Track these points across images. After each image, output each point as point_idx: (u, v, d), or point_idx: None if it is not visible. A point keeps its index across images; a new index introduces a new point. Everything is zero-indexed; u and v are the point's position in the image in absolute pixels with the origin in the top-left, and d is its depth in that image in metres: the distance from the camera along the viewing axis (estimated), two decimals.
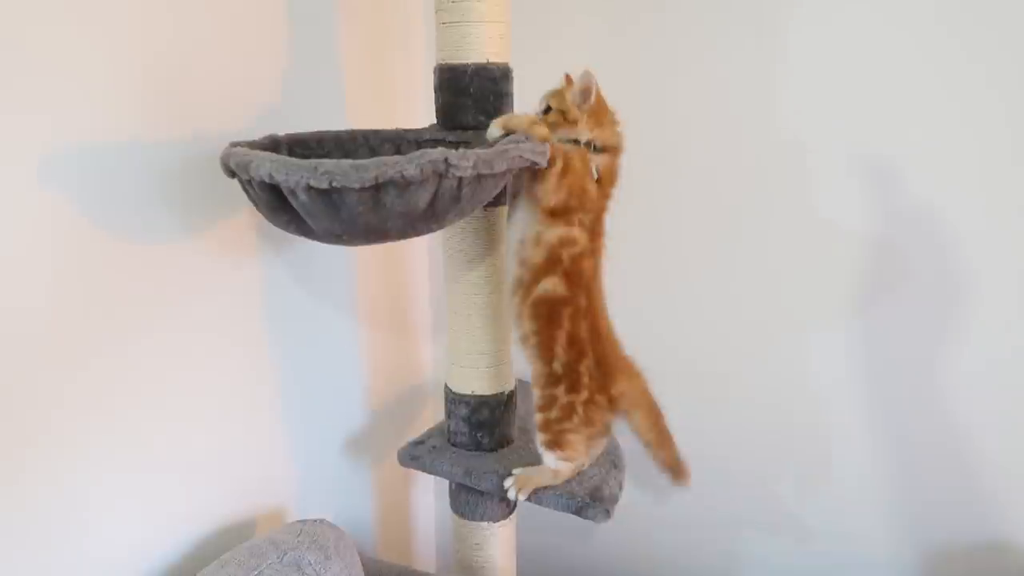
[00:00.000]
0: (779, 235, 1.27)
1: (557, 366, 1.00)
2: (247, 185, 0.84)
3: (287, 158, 0.77)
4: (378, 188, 0.76)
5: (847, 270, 1.24)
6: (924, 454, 1.25)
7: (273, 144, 0.97)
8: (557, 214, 0.96)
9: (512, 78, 1.06)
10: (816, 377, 1.30)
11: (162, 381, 1.01)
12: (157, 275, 0.98)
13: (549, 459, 1.06)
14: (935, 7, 1.10)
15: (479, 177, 0.81)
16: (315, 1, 1.19)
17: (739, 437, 1.39)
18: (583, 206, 0.96)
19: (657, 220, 1.36)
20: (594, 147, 0.97)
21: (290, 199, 0.79)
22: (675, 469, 1.04)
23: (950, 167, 1.13)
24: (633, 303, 1.40)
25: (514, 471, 1.09)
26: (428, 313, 1.60)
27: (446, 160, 0.76)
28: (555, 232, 0.96)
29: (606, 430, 1.05)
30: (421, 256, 1.56)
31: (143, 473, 1.00)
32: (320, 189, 0.75)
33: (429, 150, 0.76)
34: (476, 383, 1.15)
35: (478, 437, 1.18)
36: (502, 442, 1.19)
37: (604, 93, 0.98)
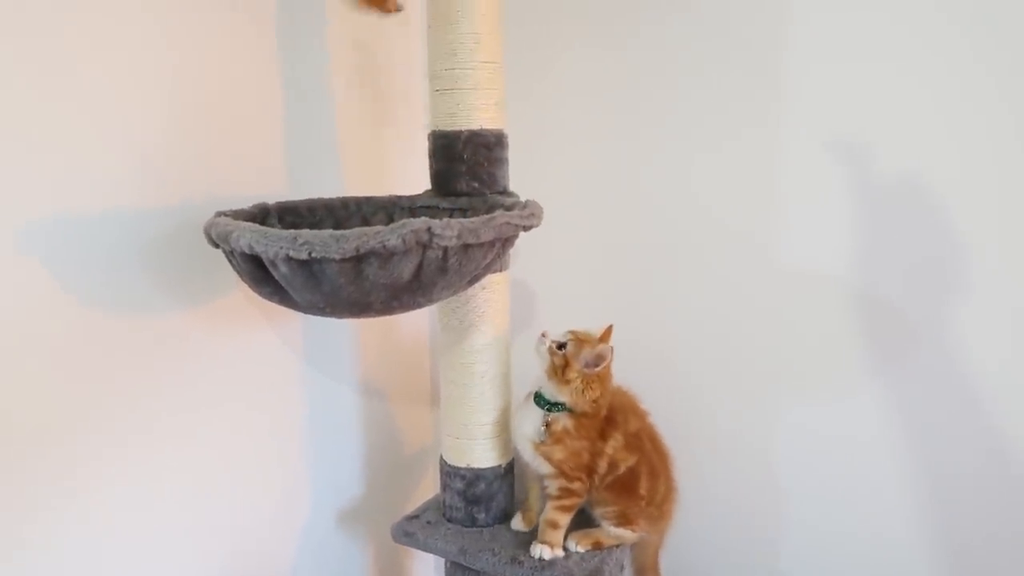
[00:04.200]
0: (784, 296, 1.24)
1: (642, 489, 1.08)
2: (230, 256, 0.82)
3: (267, 228, 0.76)
4: (359, 259, 0.73)
5: (842, 334, 1.20)
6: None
7: (262, 212, 0.96)
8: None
9: (507, 144, 1.06)
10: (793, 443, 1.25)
11: (151, 454, 0.98)
12: (149, 347, 0.97)
13: (618, 531, 1.09)
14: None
15: (466, 247, 0.79)
16: (312, 67, 1.20)
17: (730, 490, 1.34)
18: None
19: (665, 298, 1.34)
20: (561, 407, 1.04)
21: (271, 270, 0.77)
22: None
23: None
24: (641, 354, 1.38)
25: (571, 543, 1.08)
26: (428, 381, 1.57)
27: (429, 230, 0.74)
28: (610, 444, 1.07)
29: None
30: (422, 322, 1.54)
31: (131, 547, 0.97)
32: (300, 260, 0.73)
33: (411, 220, 0.74)
34: (472, 455, 1.11)
35: (474, 512, 1.13)
36: (499, 517, 1.15)
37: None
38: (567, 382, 1.02)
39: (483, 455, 1.11)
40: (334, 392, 1.32)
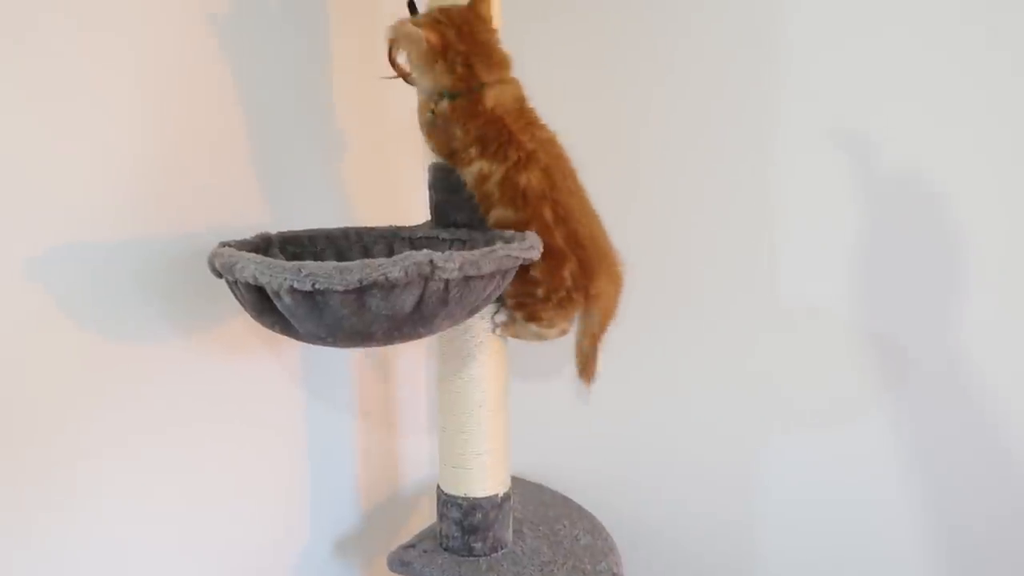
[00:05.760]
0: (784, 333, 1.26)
1: (535, 272, 0.97)
2: (233, 286, 0.83)
3: (271, 260, 0.77)
4: (362, 290, 0.74)
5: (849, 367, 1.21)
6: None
7: (265, 242, 0.97)
8: (453, 159, 0.99)
9: None
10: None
11: (150, 479, 0.99)
12: (150, 374, 0.98)
13: (531, 327, 1.03)
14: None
15: (467, 279, 0.80)
16: (315, 98, 1.22)
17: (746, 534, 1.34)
18: (458, 147, 0.97)
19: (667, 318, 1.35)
20: (444, 95, 0.96)
21: (274, 301, 0.78)
22: (585, 368, 1.08)
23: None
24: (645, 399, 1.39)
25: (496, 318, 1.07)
26: (424, 409, 1.57)
27: (431, 262, 0.75)
28: (468, 172, 0.98)
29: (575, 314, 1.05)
30: (418, 350, 1.54)
31: (129, 570, 0.97)
32: (304, 291, 0.74)
33: (414, 252, 0.75)
34: (468, 485, 1.11)
35: (471, 542, 1.13)
36: (496, 546, 1.14)
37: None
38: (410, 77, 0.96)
39: (480, 484, 1.11)
40: (331, 420, 1.32)
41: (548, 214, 0.96)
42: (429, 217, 1.10)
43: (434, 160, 1.05)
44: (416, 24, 0.92)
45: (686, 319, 1.33)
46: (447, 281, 0.78)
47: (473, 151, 0.97)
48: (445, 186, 1.05)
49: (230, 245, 0.88)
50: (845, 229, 1.18)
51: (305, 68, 1.20)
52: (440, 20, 0.93)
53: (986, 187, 1.08)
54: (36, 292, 0.84)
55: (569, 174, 1.00)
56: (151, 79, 0.95)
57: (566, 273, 0.97)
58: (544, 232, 0.95)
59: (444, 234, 1.05)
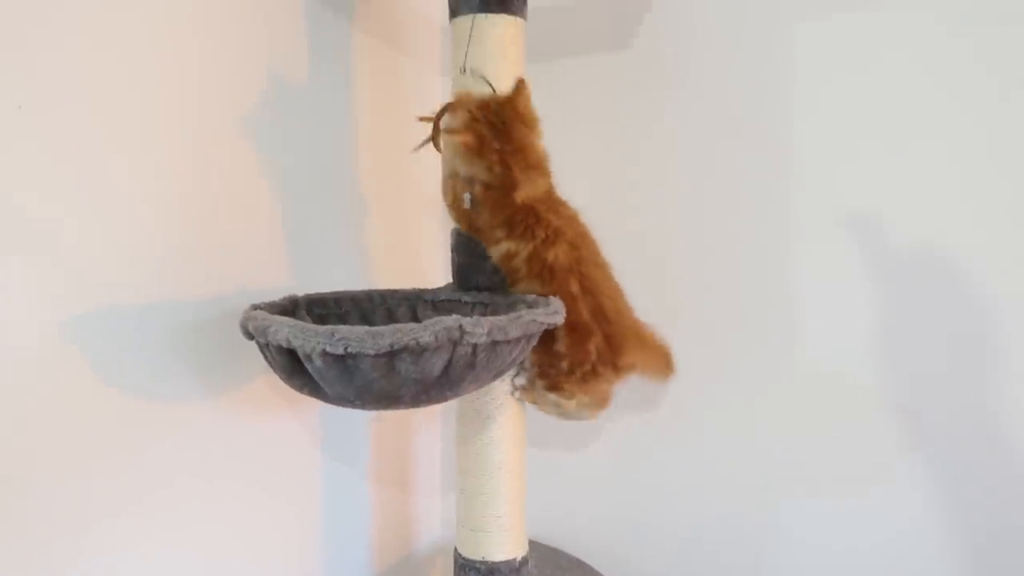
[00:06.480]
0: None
1: (560, 347, 0.98)
2: (264, 348, 0.85)
3: (305, 324, 0.79)
4: (392, 354, 0.76)
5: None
6: None
7: (292, 304, 0.99)
8: (478, 234, 1.02)
9: None
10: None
11: (171, 533, 0.99)
12: (177, 434, 0.99)
13: (550, 396, 1.03)
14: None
15: (494, 344, 0.81)
16: (339, 163, 1.26)
17: None
18: (484, 227, 1.00)
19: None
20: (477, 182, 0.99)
21: (305, 363, 0.80)
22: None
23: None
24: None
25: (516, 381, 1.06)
26: (439, 470, 1.57)
27: (461, 327, 0.77)
28: (495, 250, 1.01)
29: (608, 389, 1.05)
30: (433, 411, 1.55)
31: None
32: (335, 355, 0.76)
33: (444, 317, 0.77)
34: (488, 548, 1.11)
35: None
36: None
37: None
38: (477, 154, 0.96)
39: (499, 547, 1.11)
40: (347, 479, 1.32)
41: (575, 287, 0.98)
42: (451, 280, 1.12)
43: (456, 227, 1.08)
44: (462, 110, 0.95)
45: (705, 382, 1.34)
46: (475, 346, 0.79)
47: (500, 233, 0.99)
48: (467, 250, 1.07)
49: (260, 308, 0.90)
50: (867, 292, 1.19)
51: (330, 135, 1.24)
52: (477, 119, 0.94)
53: (1005, 253, 1.10)
54: (69, 354, 0.85)
55: (593, 249, 1.03)
56: (183, 146, 0.98)
57: (591, 347, 0.98)
58: (570, 305, 0.96)
59: (466, 297, 1.07)
